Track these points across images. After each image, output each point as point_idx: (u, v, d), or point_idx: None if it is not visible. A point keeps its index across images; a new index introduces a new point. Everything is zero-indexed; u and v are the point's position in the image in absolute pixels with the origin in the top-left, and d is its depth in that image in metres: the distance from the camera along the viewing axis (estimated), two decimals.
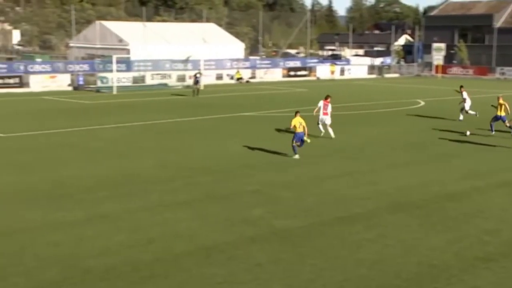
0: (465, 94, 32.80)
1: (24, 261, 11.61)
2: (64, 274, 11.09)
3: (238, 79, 60.78)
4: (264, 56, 77.92)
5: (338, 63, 73.84)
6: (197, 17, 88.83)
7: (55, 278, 10.91)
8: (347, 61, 78.10)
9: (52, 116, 32.88)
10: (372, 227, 14.13)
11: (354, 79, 67.39)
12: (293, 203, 16.12)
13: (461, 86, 33.48)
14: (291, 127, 21.96)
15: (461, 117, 32.46)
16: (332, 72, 68.55)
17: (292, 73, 66.96)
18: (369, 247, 12.74)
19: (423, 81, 66.89)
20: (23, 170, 19.59)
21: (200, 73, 47.57)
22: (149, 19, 76.39)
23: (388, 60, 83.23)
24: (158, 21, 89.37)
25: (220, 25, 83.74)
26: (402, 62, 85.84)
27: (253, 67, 65.45)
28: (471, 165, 21.49)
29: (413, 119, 33.43)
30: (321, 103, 26.77)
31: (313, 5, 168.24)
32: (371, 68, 75.26)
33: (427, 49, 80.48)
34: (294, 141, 21.82)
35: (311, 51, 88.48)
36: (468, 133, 27.52)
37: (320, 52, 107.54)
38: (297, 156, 21.86)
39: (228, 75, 61.97)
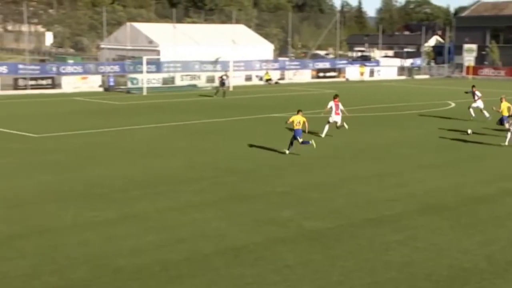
0: (477, 94, 32.93)
1: (56, 260, 11.75)
2: (94, 273, 11.20)
3: (267, 80, 60.78)
4: (293, 57, 77.80)
5: (367, 64, 73.38)
6: (226, 19, 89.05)
7: (86, 277, 11.03)
8: (377, 63, 77.58)
9: (84, 117, 33.24)
10: (402, 229, 14.01)
11: (384, 81, 66.93)
12: (322, 204, 16.06)
13: (473, 86, 33.78)
14: (289, 121, 22.56)
15: (487, 115, 32.20)
16: (362, 74, 68.15)
17: (321, 74, 66.73)
18: (399, 250, 12.63)
19: (454, 82, 66.13)
20: (56, 170, 19.84)
21: (226, 75, 47.62)
22: (179, 20, 76.84)
23: (418, 61, 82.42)
24: (188, 22, 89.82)
25: (249, 26, 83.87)
26: (432, 63, 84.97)
27: (282, 68, 65.37)
28: (502, 167, 21.19)
29: (443, 120, 33.07)
30: (332, 104, 26.85)
31: (342, 6, 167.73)
32: (401, 70, 74.65)
33: (458, 50, 79.54)
34: (298, 138, 22.21)
35: (340, 52, 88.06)
36: (469, 131, 27.50)
37: (350, 54, 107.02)
38: (287, 152, 22.47)
39: (257, 76, 62.00)
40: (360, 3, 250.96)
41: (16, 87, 47.60)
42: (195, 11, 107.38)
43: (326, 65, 70.18)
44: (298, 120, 22.35)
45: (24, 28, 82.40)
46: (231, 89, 50.27)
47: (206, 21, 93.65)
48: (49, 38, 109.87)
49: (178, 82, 55.02)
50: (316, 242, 13.06)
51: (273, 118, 33.60)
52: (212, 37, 66.97)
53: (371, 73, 70.26)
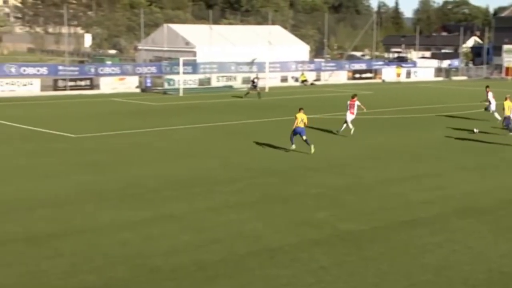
0: (490, 95, 32.56)
1: (94, 259, 11.93)
2: (132, 272, 11.33)
3: (303, 81, 60.65)
4: (329, 59, 77.52)
5: (404, 65, 72.67)
6: (262, 20, 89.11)
7: (124, 276, 11.16)
8: (414, 64, 76.79)
9: (121, 118, 33.64)
10: (438, 232, 13.85)
11: (421, 82, 66.21)
12: (357, 206, 15.98)
13: (487, 87, 33.63)
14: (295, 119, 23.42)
15: (498, 117, 31.77)
16: (398, 75, 67.53)
17: (357, 75, 66.34)
18: (435, 252, 12.49)
19: (493, 83, 65.00)
20: (95, 170, 20.13)
21: (258, 77, 47.54)
22: (216, 22, 77.16)
23: (455, 62, 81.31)
24: (224, 23, 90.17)
25: (285, 27, 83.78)
26: (471, 65, 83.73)
27: (318, 70, 65.15)
28: None
29: (482, 122, 32.56)
30: (349, 103, 27.00)
31: (379, 7, 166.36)
32: (438, 71, 73.72)
33: (497, 51, 78.20)
34: (302, 135, 23.11)
35: (377, 53, 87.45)
36: (476, 130, 27.48)
37: (386, 55, 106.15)
38: (293, 147, 23.20)
39: (292, 77, 61.92)
40: (397, 3, 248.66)
41: (55, 88, 48.41)
42: (232, 12, 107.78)
43: (362, 66, 69.73)
44: (301, 118, 23.17)
45: (64, 30, 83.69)
46: (266, 90, 50.30)
47: (242, 22, 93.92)
48: (88, 40, 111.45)
49: (214, 83, 55.26)
50: (351, 243, 13.01)
51: (308, 119, 33.47)
52: (248, 38, 67.10)
53: (408, 74, 69.55)
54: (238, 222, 14.42)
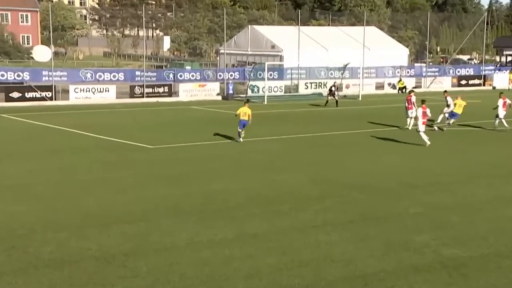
0: (501, 102, 33.02)
1: (171, 280, 12.16)
2: None
3: (401, 88, 59.80)
4: (431, 63, 76.18)
5: None
6: (356, 20, 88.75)
7: None
8: None
9: (201, 127, 34.25)
10: None
11: None
12: (464, 229, 15.59)
13: (501, 93, 34.31)
14: (237, 113, 28.34)
15: (506, 125, 32.50)
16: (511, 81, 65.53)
17: (463, 82, 64.87)
18: None
19: None
20: (173, 183, 20.57)
21: (335, 85, 47.18)
22: (304, 23, 77.51)
23: None
24: (314, 25, 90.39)
25: (381, 28, 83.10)
26: None
27: (419, 75, 64.14)
28: None
29: None
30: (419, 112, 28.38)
31: (490, 4, 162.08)
32: None
33: None
34: (239, 128, 28.11)
35: (487, 57, 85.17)
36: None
37: (497, 58, 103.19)
38: (241, 140, 27.93)
39: (389, 84, 61.23)
40: None
41: (132, 95, 49.88)
42: (322, 12, 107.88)
43: (470, 71, 68.10)
44: (244, 112, 27.83)
45: (142, 32, 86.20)
46: (359, 98, 50.01)
47: (334, 23, 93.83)
48: (166, 43, 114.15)
49: (302, 90, 55.40)
50: (456, 272, 12.69)
51: (405, 131, 33.03)
52: (340, 40, 66.92)
53: None
54: (328, 243, 14.37)
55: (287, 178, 21.34)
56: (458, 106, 32.50)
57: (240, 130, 28.22)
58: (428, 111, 27.87)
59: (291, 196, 18.75)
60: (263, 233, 15.13)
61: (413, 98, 32.85)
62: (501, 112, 32.95)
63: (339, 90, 47.47)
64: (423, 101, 28.33)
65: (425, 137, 27.44)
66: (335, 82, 49.09)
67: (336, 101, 45.67)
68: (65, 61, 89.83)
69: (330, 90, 46.69)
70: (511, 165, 24.03)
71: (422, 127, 27.70)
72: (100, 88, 48.92)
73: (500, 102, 33.11)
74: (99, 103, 46.48)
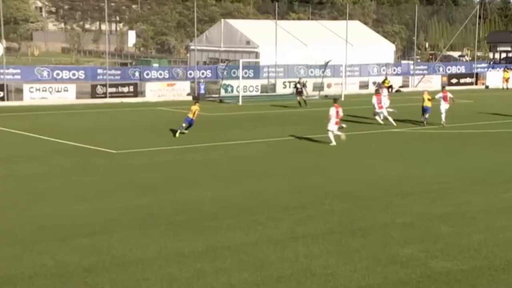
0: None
1: None
2: None
3: (387, 88, 60.06)
4: (419, 60, 76.77)
5: None
6: (338, 14, 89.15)
7: None
8: None
9: (169, 130, 34.13)
10: None
11: None
12: (454, 241, 15.71)
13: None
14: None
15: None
16: (507, 80, 66.13)
17: (454, 80, 65.43)
18: None
19: None
20: (139, 191, 20.47)
21: (300, 82, 47.19)
22: (282, 16, 77.67)
23: None
24: (293, 18, 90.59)
25: (365, 22, 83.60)
26: None
27: (406, 74, 64.58)
28: None
29: None
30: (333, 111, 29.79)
31: None
32: None
33: None
34: (183, 123, 31.92)
35: (479, 53, 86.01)
36: None
37: (491, 55, 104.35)
38: (177, 134, 31.31)
39: (374, 83, 61.53)
40: None
41: (94, 95, 49.58)
42: (301, 5, 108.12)
43: (461, 69, 68.77)
44: (194, 110, 31.90)
45: (104, 27, 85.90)
46: (342, 98, 50.13)
47: (314, 16, 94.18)
48: (131, 38, 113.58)
49: (280, 89, 55.48)
50: (446, 287, 12.79)
51: (393, 134, 33.26)
52: (321, 36, 67.10)
53: None
54: (307, 256, 14.39)
55: (264, 185, 21.35)
56: (426, 100, 35.97)
57: (182, 124, 31.93)
58: (340, 110, 29.54)
59: (268, 205, 18.76)
60: (237, 246, 15.11)
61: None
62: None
63: (305, 86, 47.35)
64: (335, 100, 30.44)
65: (331, 137, 29.10)
66: (299, 79, 48.96)
67: (304, 101, 45.60)
68: (19, 57, 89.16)
69: (296, 89, 46.60)
70: (507, 170, 24.24)
71: (333, 127, 29.39)
72: (58, 88, 48.57)
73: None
74: (57, 104, 46.12)
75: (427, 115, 35.80)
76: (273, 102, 49.73)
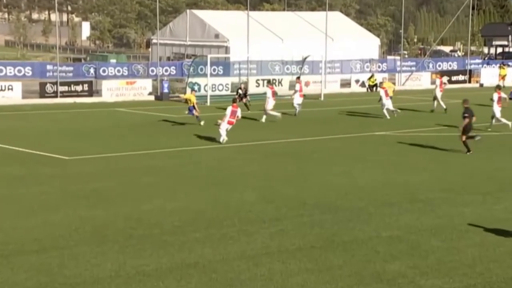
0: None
1: None
2: None
3: (372, 86, 60.45)
4: (406, 56, 77.32)
5: (511, 64, 71.99)
6: (317, 4, 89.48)
7: None
8: None
9: (129, 134, 34.03)
10: None
11: None
12: (445, 256, 15.82)
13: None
14: (184, 98, 38.74)
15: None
16: (503, 77, 66.78)
17: (444, 78, 65.88)
18: None
19: None
20: (94, 202, 20.37)
21: (241, 88, 46.56)
22: (255, 7, 77.76)
23: None
24: (267, 9, 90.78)
25: (347, 14, 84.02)
26: None
27: (392, 71, 64.98)
28: None
29: None
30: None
31: None
32: None
33: None
34: (189, 110, 36.81)
35: (473, 48, 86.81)
36: (478, 137, 28.83)
37: (486, 50, 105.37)
38: (201, 122, 36.21)
39: (357, 81, 61.88)
40: None
41: (43, 94, 49.22)
42: None
43: (453, 65, 69.39)
44: (188, 97, 37.27)
45: (55, 17, 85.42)
46: (321, 98, 50.33)
47: (290, 7, 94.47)
48: (85, 31, 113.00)
49: (253, 88, 55.50)
50: None
51: (378, 137, 33.45)
52: (298, 28, 67.40)
53: None
54: (283, 274, 14.41)
55: (235, 195, 21.35)
56: (389, 89, 40.47)
57: (188, 112, 37.23)
58: (239, 111, 31.90)
59: (240, 217, 18.76)
60: (206, 262, 15.10)
61: (503, 95, 36.23)
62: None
63: (247, 91, 46.92)
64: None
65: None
66: (241, 84, 48.71)
67: (246, 104, 45.08)
68: None
69: (238, 94, 45.63)
70: (499, 178, 24.43)
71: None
72: (2, 86, 48.21)
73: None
74: (0, 105, 45.77)
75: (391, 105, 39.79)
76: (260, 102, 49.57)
